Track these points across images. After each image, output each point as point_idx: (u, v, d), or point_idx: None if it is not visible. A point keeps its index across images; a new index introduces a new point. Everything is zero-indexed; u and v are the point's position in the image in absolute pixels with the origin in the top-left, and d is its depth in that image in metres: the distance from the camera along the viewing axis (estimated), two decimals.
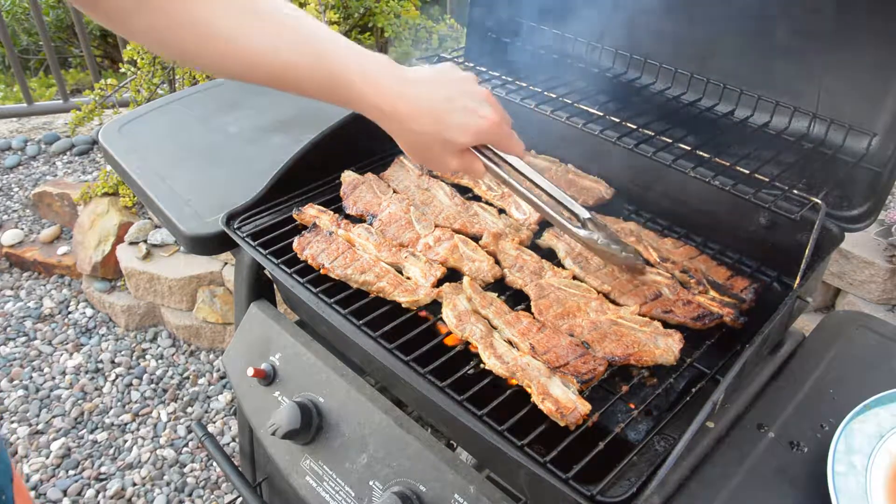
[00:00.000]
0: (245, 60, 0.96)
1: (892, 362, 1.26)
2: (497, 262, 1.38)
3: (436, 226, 1.46)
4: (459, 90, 1.07)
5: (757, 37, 1.39)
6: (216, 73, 1.01)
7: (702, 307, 1.25)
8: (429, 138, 1.05)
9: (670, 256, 1.38)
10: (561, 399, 1.04)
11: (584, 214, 1.16)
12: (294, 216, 1.49)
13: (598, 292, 1.30)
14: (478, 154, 1.11)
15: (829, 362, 1.25)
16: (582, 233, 1.17)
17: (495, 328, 1.22)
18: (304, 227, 1.44)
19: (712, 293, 1.28)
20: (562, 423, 1.02)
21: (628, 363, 1.14)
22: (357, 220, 1.51)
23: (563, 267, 1.38)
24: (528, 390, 1.08)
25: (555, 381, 1.08)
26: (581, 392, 1.08)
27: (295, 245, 1.39)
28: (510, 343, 1.18)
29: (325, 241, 1.39)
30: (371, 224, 1.48)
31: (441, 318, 1.24)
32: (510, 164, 1.14)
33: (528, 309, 1.28)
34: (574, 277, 1.35)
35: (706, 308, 1.25)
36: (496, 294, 1.30)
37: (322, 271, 1.34)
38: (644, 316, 1.24)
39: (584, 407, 1.03)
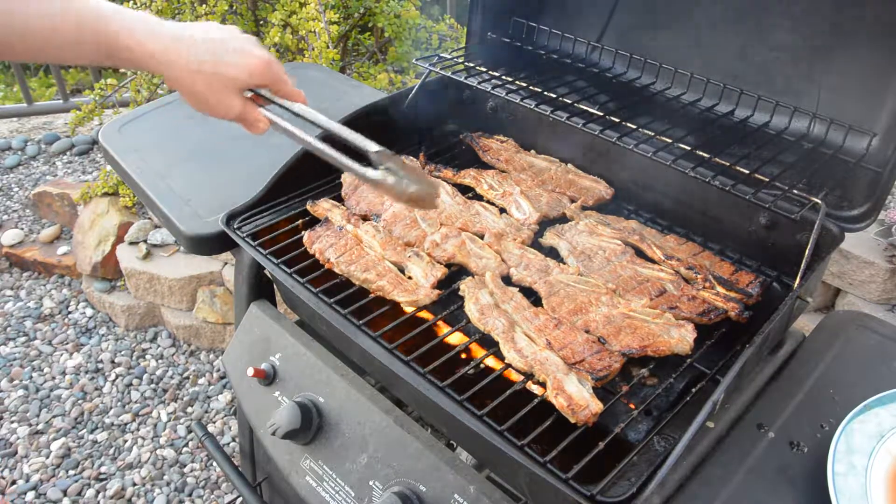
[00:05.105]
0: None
1: (892, 362, 1.26)
2: (502, 259, 1.38)
3: (440, 224, 1.47)
4: (231, 34, 1.13)
5: (757, 37, 1.39)
6: None
7: (707, 302, 1.25)
8: (207, 76, 1.09)
9: (675, 254, 1.38)
10: (574, 396, 1.05)
11: (373, 149, 1.10)
12: (308, 208, 1.50)
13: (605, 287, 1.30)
14: (259, 107, 1.16)
15: (829, 362, 1.25)
16: (370, 174, 1.11)
17: (514, 323, 1.22)
18: (307, 227, 1.44)
19: (718, 288, 1.28)
20: (572, 420, 1.02)
21: (645, 355, 1.15)
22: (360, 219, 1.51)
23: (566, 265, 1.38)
24: (544, 384, 1.08)
25: (571, 378, 1.08)
26: (594, 389, 1.08)
27: (305, 239, 1.40)
28: (527, 338, 1.19)
29: (336, 236, 1.40)
30: (376, 223, 1.48)
31: (441, 318, 1.24)
32: (295, 112, 1.17)
33: (537, 305, 1.28)
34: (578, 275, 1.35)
35: (711, 303, 1.25)
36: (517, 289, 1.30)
37: (327, 265, 1.34)
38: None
39: (597, 405, 1.04)
